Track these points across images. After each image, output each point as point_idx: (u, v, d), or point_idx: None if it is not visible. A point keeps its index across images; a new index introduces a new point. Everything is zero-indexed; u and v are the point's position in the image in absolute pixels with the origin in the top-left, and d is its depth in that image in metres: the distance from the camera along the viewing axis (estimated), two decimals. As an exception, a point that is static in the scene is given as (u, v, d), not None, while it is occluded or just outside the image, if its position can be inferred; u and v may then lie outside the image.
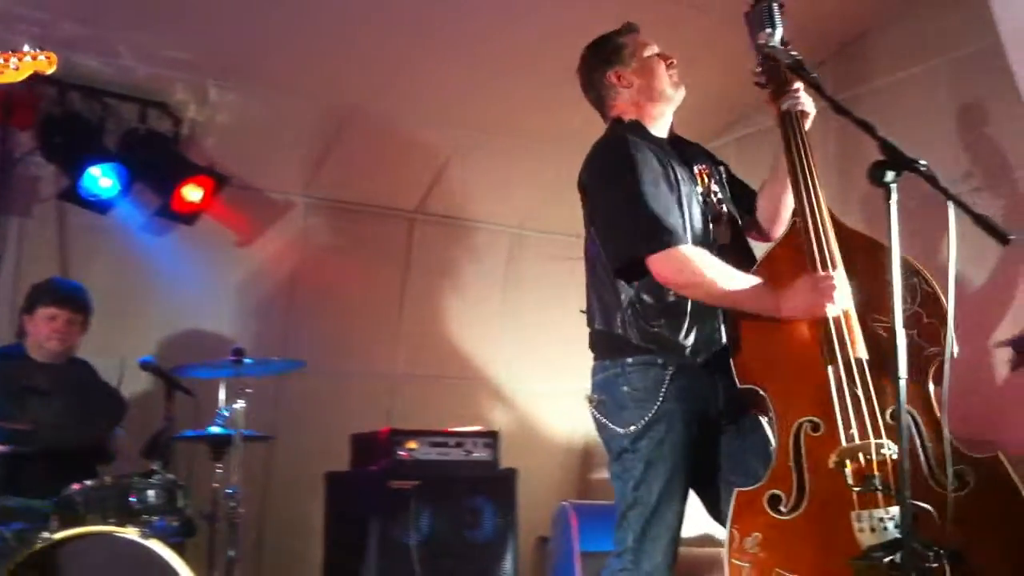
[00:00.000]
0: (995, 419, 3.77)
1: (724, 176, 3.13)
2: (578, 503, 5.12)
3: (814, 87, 2.64)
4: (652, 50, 3.03)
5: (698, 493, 2.89)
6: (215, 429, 4.26)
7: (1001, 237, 2.11)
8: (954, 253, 2.16)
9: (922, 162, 2.24)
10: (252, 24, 4.58)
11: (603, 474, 5.91)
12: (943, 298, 2.62)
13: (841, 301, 2.60)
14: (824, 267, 2.65)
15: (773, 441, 2.67)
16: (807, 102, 2.92)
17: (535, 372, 6.19)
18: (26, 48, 2.97)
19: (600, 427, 2.88)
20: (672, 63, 3.03)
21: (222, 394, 4.32)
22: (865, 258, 2.70)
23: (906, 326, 2.50)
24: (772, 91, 2.97)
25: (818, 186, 2.80)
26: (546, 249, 6.22)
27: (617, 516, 2.81)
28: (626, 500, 2.79)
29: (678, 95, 3.03)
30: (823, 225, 2.72)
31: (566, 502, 5.04)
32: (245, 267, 5.50)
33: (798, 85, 2.90)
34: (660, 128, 3.04)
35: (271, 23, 4.59)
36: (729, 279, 2.69)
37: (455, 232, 6.04)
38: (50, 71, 2.99)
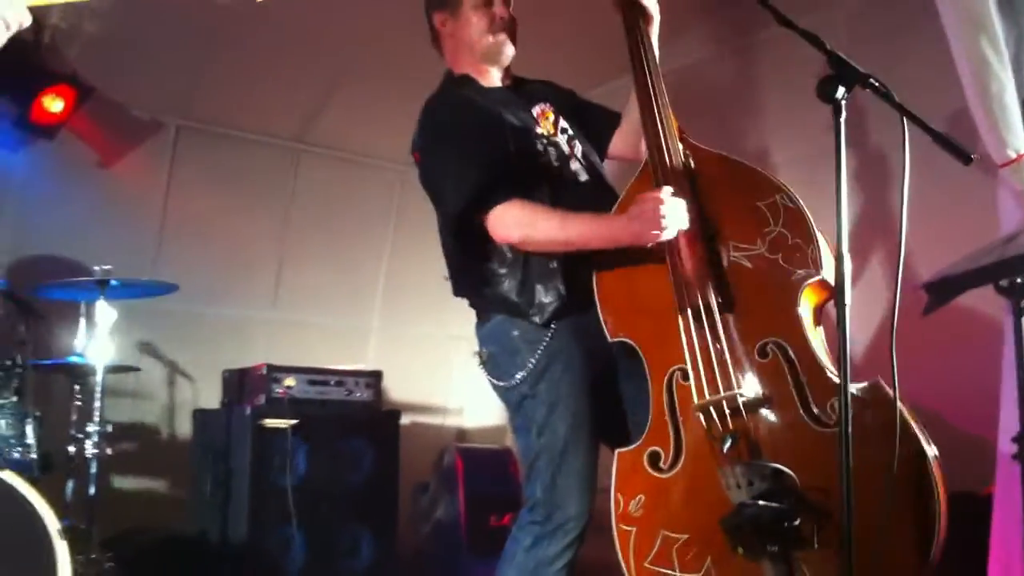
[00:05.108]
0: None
1: (573, 108, 2.97)
2: (463, 446, 4.97)
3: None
4: None
5: (606, 442, 2.72)
6: (74, 358, 3.92)
7: (964, 156, 1.99)
8: (907, 176, 2.05)
9: (873, 78, 2.12)
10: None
11: (482, 422, 5.88)
12: (808, 217, 2.46)
13: (673, 222, 2.44)
14: (658, 187, 2.51)
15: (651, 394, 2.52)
16: (650, 3, 2.75)
17: (419, 315, 5.97)
18: None
19: (495, 384, 2.74)
20: (498, 17, 2.80)
21: (83, 320, 3.97)
22: (723, 181, 2.55)
23: (769, 250, 2.45)
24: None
25: (664, 102, 2.65)
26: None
27: (525, 471, 2.67)
28: (532, 450, 2.65)
29: (498, 55, 2.84)
30: (667, 143, 2.58)
31: (451, 446, 4.88)
32: (108, 190, 5.09)
33: None
34: (493, 78, 2.87)
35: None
36: (562, 223, 2.57)
37: (341, 166, 5.76)
38: None
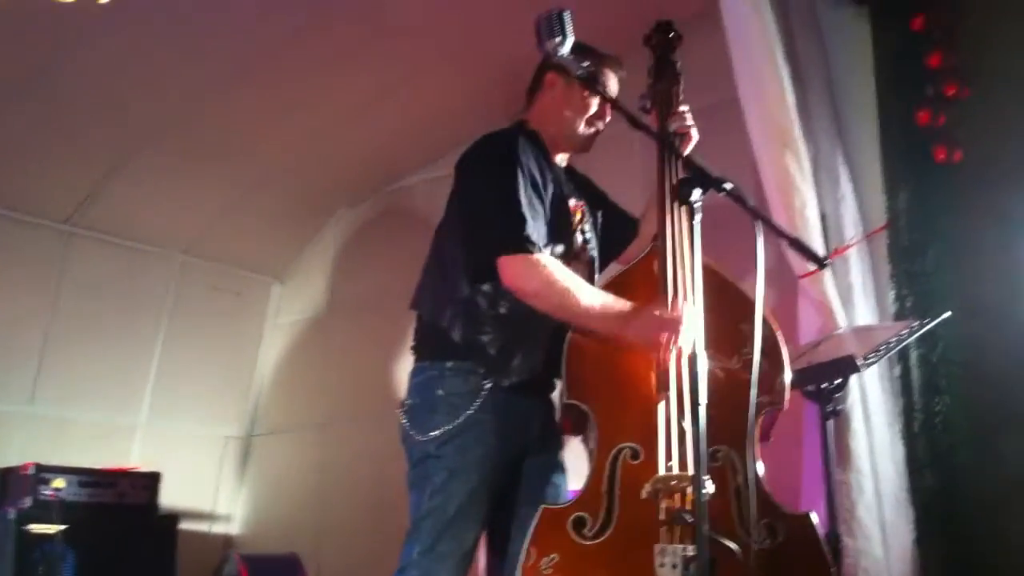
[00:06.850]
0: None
1: (600, 210, 3.00)
2: (246, 554, 4.67)
3: (609, 101, 2.54)
4: (606, 91, 2.77)
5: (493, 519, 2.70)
6: None
7: (817, 259, 2.08)
8: (762, 277, 2.10)
9: (728, 183, 2.19)
10: None
11: (254, 528, 5.57)
12: (782, 350, 2.56)
13: (686, 339, 2.44)
14: (676, 299, 2.53)
15: (587, 463, 2.52)
16: (692, 126, 2.84)
17: (190, 412, 5.65)
18: None
19: (404, 433, 2.64)
20: (599, 121, 2.83)
21: None
22: (712, 296, 2.57)
23: (742, 369, 2.51)
24: (657, 112, 2.87)
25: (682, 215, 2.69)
26: (211, 279, 5.79)
27: (409, 528, 2.57)
28: (420, 509, 2.55)
29: (579, 145, 2.87)
30: (683, 255, 2.61)
31: (232, 553, 4.57)
32: None
33: (684, 108, 2.83)
34: (559, 156, 2.88)
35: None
36: (582, 293, 2.53)
37: (115, 252, 5.36)
38: None
